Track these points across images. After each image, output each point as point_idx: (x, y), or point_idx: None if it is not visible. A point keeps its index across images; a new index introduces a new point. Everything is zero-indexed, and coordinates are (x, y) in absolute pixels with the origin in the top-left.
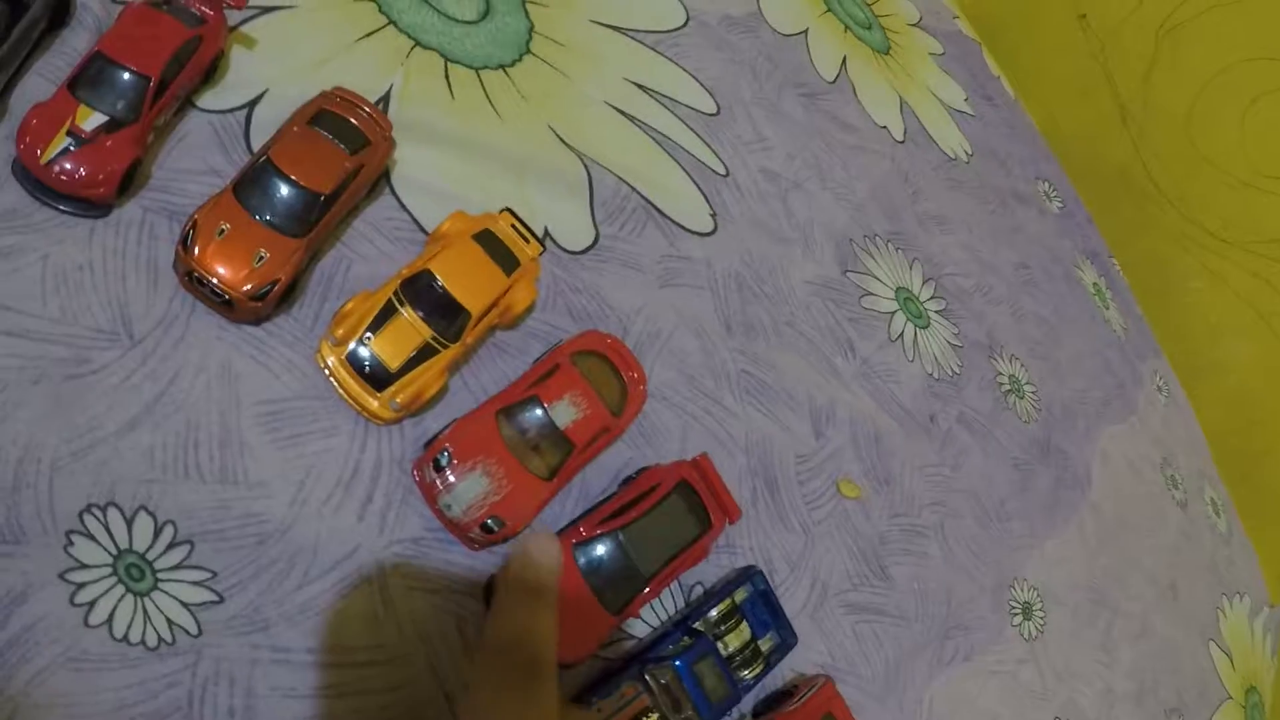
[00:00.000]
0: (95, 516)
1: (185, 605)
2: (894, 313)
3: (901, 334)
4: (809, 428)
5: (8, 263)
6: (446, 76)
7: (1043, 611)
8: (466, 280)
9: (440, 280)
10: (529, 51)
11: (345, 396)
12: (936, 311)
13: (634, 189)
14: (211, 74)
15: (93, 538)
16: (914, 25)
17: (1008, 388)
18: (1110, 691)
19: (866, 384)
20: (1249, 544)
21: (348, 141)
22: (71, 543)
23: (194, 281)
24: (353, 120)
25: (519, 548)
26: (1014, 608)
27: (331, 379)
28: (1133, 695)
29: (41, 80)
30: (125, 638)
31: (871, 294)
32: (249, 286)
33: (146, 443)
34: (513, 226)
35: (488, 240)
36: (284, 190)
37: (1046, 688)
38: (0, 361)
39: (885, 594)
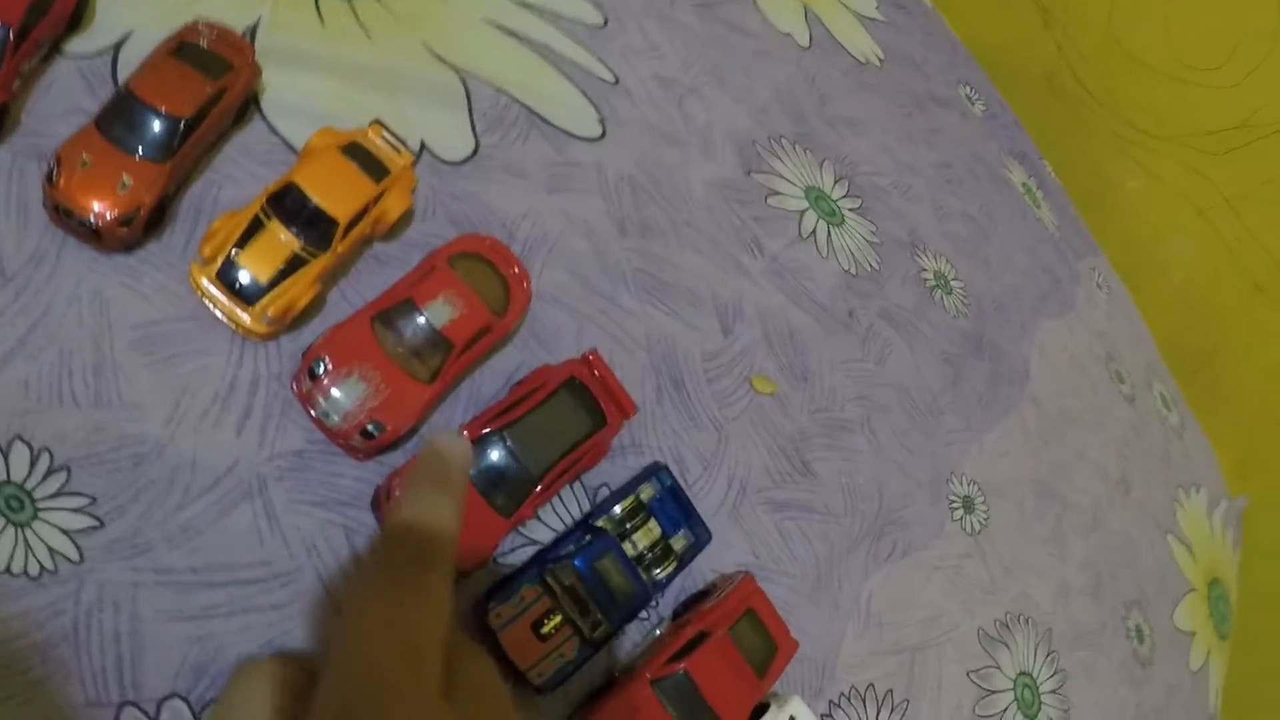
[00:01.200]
0: None
1: (66, 532)
2: (804, 210)
3: (814, 231)
4: (715, 324)
5: None
6: (316, 5)
7: (985, 506)
8: (333, 190)
9: (305, 190)
10: None
11: (219, 314)
12: (851, 210)
13: (515, 99)
14: (78, 21)
15: None
16: None
17: (933, 283)
18: (1065, 584)
19: (777, 280)
20: (1204, 438)
21: (208, 68)
22: None
23: (61, 214)
24: (213, 48)
25: (426, 444)
26: (954, 501)
27: (204, 299)
28: (1089, 589)
29: None
30: (7, 569)
31: (778, 193)
32: (113, 213)
33: (21, 375)
34: (383, 138)
35: (355, 151)
36: (144, 118)
37: (994, 581)
38: None
39: (810, 490)
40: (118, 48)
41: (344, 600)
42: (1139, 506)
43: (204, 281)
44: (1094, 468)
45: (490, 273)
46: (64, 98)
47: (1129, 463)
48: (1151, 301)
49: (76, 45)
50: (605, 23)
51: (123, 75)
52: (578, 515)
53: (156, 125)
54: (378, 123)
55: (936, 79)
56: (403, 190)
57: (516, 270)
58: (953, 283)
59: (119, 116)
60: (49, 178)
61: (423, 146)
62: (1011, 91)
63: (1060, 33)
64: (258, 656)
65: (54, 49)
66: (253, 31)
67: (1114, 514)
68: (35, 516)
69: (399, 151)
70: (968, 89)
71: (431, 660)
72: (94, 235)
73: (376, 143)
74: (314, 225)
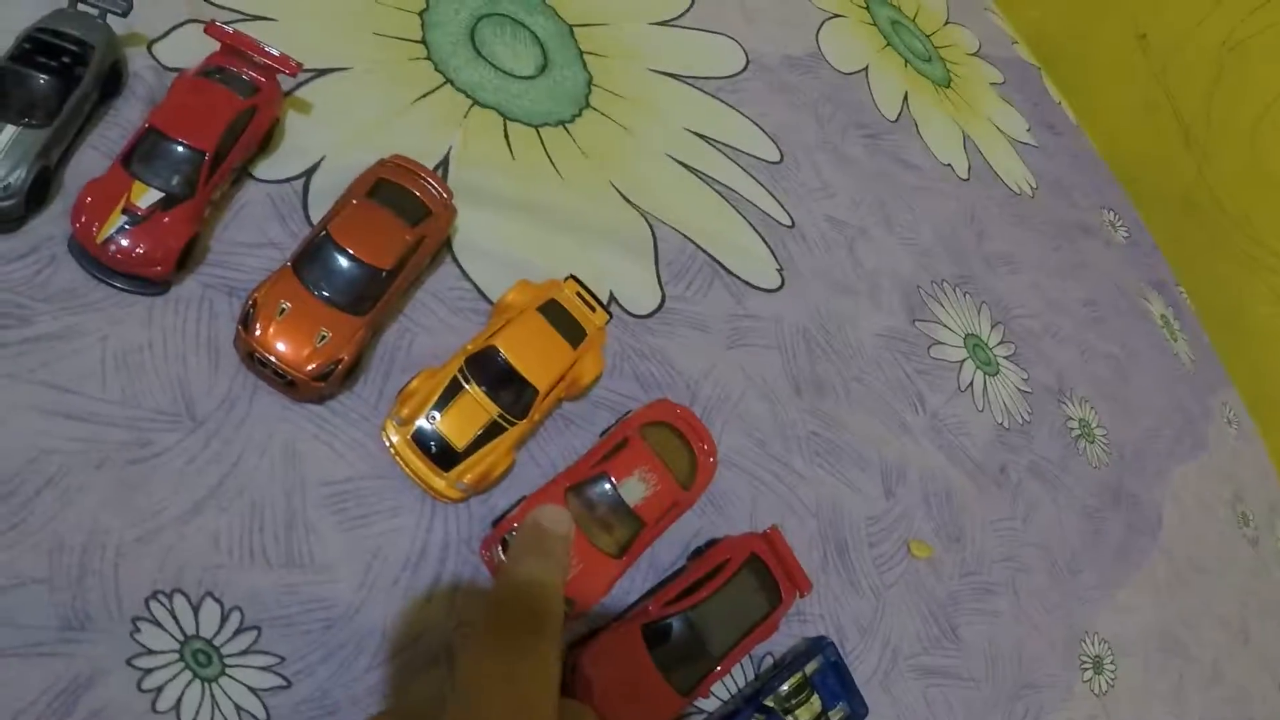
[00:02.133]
0: (161, 603)
1: (253, 690)
2: (963, 361)
3: (971, 383)
4: (879, 488)
5: (67, 344)
6: (506, 136)
7: (1113, 664)
8: (533, 355)
9: (506, 356)
10: (588, 106)
11: (411, 476)
12: (1005, 357)
13: (699, 247)
14: (267, 142)
15: (159, 624)
16: (973, 55)
17: (1078, 432)
18: None
19: (937, 438)
20: None
21: (408, 213)
22: (138, 629)
23: (256, 362)
24: (412, 190)
25: (530, 520)
26: (1085, 662)
27: (397, 458)
28: None
29: (95, 154)
30: None
31: (940, 343)
32: (312, 367)
33: (211, 527)
34: (578, 294)
35: (554, 311)
36: (345, 266)
37: None
38: (63, 446)
39: (956, 656)
40: (309, 174)
41: (459, 659)
42: (1256, 655)
43: (398, 441)
44: (1216, 618)
45: (680, 444)
46: (253, 226)
47: (1248, 610)
48: (1275, 429)
49: (266, 169)
50: (781, 158)
51: (313, 204)
52: (742, 685)
53: (357, 275)
54: (573, 278)
55: (1083, 205)
56: (596, 351)
57: (706, 446)
58: (1095, 431)
59: (318, 262)
60: (244, 322)
61: (611, 298)
62: (1150, 211)
63: (1200, 151)
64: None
65: (243, 171)
66: (445, 163)
67: (1232, 665)
68: (223, 673)
69: (594, 310)
70: (1111, 214)
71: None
72: (289, 386)
73: (573, 300)
74: (514, 392)
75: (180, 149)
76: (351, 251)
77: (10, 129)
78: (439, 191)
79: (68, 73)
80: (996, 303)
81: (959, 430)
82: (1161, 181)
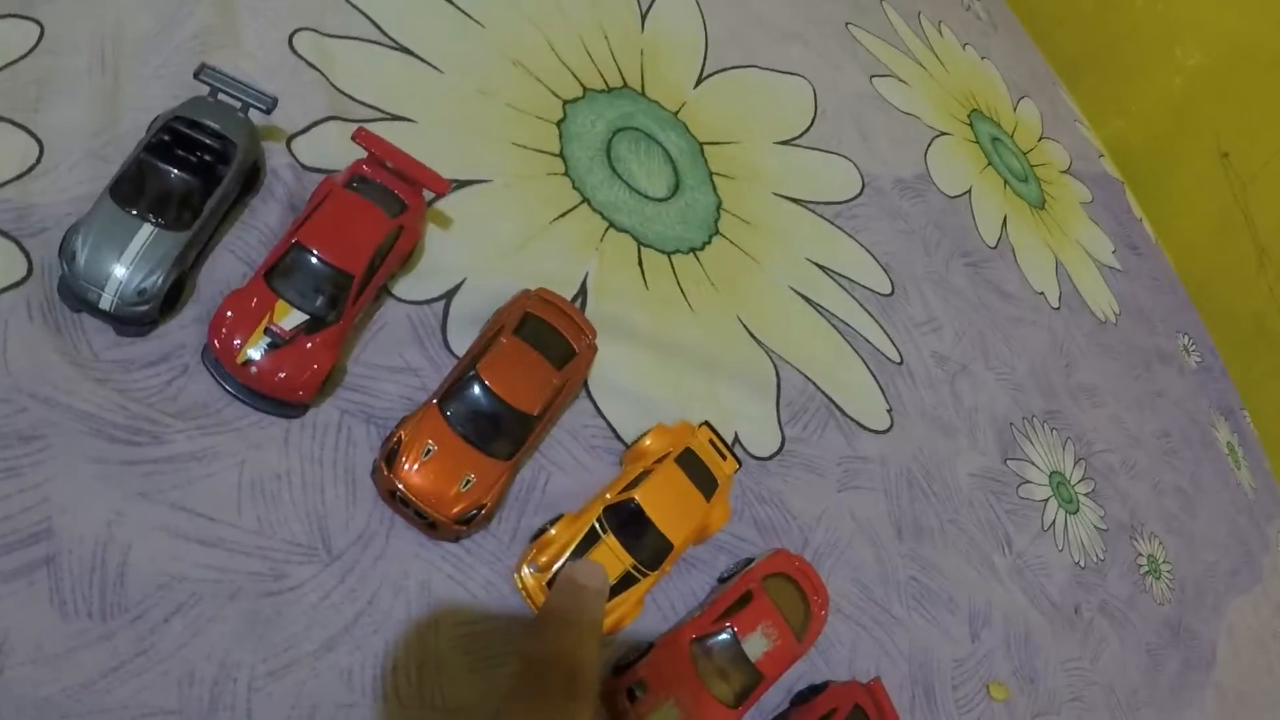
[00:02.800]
0: None
1: None
2: (1047, 500)
3: (1053, 522)
4: (966, 630)
5: (202, 466)
6: (640, 263)
7: None
8: (670, 510)
9: (645, 509)
10: (718, 232)
11: None
12: (1085, 494)
13: (818, 387)
14: (408, 259)
15: None
16: (1065, 172)
17: (1146, 569)
18: None
19: (1019, 580)
20: None
21: (554, 354)
22: None
23: (398, 500)
24: (558, 328)
25: (566, 575)
26: None
27: (529, 600)
28: None
29: (232, 257)
30: None
31: (1029, 481)
32: (457, 510)
33: (345, 664)
34: (710, 442)
35: (689, 462)
36: (492, 410)
37: None
38: (196, 574)
39: None
40: (450, 297)
41: None
42: None
43: (533, 585)
44: None
45: (796, 595)
46: (392, 349)
47: None
48: None
49: (406, 288)
50: (892, 290)
51: (452, 328)
52: None
53: (506, 419)
54: (708, 425)
55: (1161, 330)
56: (724, 500)
57: (819, 598)
58: (1162, 566)
59: (466, 403)
60: (388, 459)
61: (736, 439)
62: (1221, 332)
63: (1274, 273)
64: None
65: (383, 290)
66: (583, 292)
67: None
68: None
69: (724, 458)
70: (1186, 338)
71: None
72: (430, 527)
73: (706, 448)
74: (649, 544)
75: (327, 269)
76: (500, 395)
77: (147, 228)
78: (584, 331)
79: (209, 171)
80: (1079, 438)
81: (1040, 570)
82: (1234, 302)
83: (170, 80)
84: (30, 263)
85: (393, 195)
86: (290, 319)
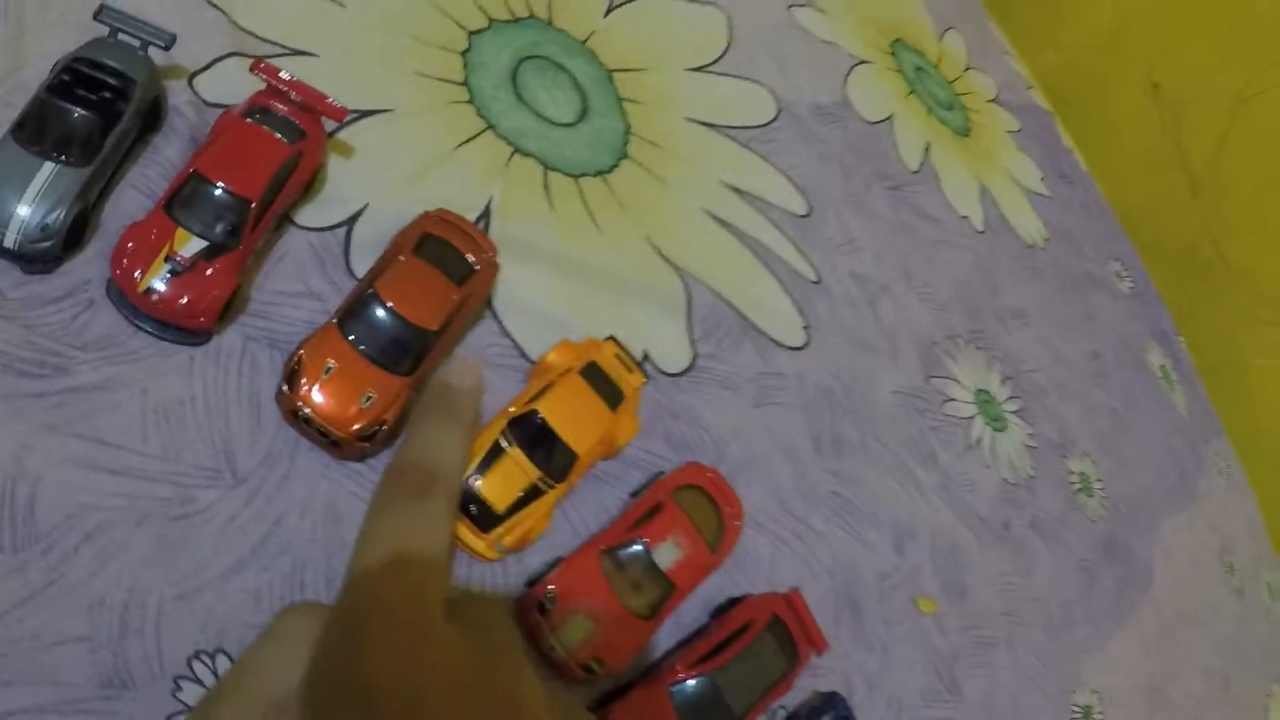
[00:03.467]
0: (204, 662)
1: None
2: (973, 417)
3: (980, 439)
4: (891, 545)
5: (108, 395)
6: (546, 186)
7: (1102, 714)
8: (574, 421)
9: (548, 420)
10: (626, 156)
11: None
12: (1013, 412)
13: (730, 304)
14: (309, 188)
15: (201, 683)
16: (992, 101)
17: (1078, 487)
18: None
19: (945, 495)
20: None
21: (454, 271)
22: (180, 688)
23: (300, 420)
24: (458, 246)
25: (438, 379)
26: (1076, 713)
27: None
28: None
29: (134, 193)
30: None
31: (952, 399)
32: (357, 427)
33: (253, 585)
34: (617, 356)
35: (593, 375)
36: (391, 326)
37: None
38: (104, 501)
39: (956, 709)
40: (352, 222)
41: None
42: (1235, 704)
43: None
44: (1200, 668)
45: (709, 507)
46: (294, 275)
47: (1230, 660)
48: (1265, 481)
49: (308, 216)
50: (809, 212)
51: (355, 253)
52: None
53: (404, 336)
54: (613, 339)
55: (1092, 257)
56: (632, 413)
57: (733, 509)
58: (1094, 485)
59: (365, 321)
60: (289, 379)
61: (645, 356)
62: (1154, 261)
63: (1207, 203)
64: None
65: (284, 218)
66: (486, 215)
67: (1212, 714)
68: None
69: (631, 371)
70: (1118, 264)
71: (429, 578)
72: (333, 446)
73: (612, 362)
74: (554, 457)
75: (226, 197)
76: (399, 312)
77: (49, 166)
78: (484, 248)
79: (109, 108)
80: (1007, 358)
81: (967, 487)
82: (1167, 232)
83: (74, 26)
84: None
85: (291, 124)
86: (190, 246)
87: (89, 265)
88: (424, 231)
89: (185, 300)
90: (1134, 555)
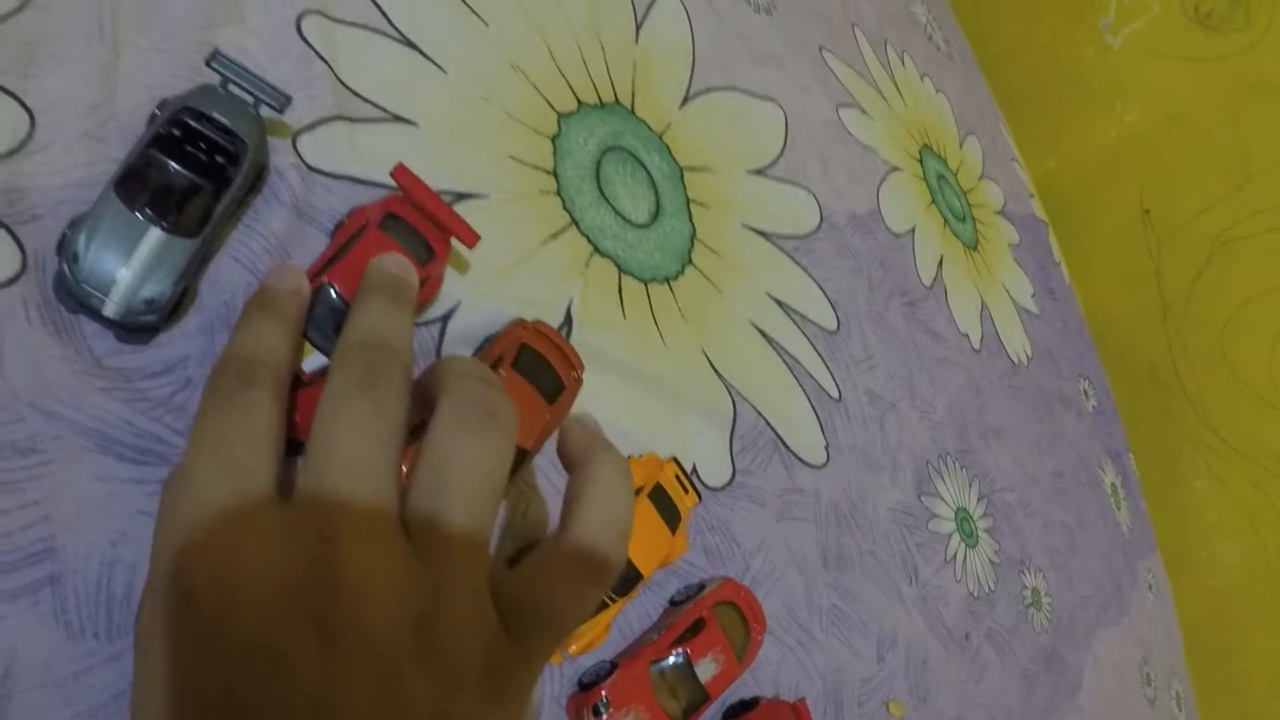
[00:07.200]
0: None
1: None
2: (951, 534)
3: (954, 555)
4: (874, 653)
5: None
6: (620, 291)
7: None
8: (641, 544)
9: None
10: (690, 263)
11: None
12: (985, 530)
13: (768, 422)
14: (426, 308)
15: None
16: (999, 213)
17: (1029, 601)
18: None
19: (922, 607)
20: None
21: (547, 389)
22: None
23: None
24: (553, 362)
25: (375, 261)
26: None
27: None
28: None
29: (235, 264)
30: None
31: (937, 516)
32: None
33: None
34: (676, 477)
35: (659, 498)
36: None
37: None
38: None
39: None
40: (446, 320)
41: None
42: None
43: None
44: None
45: (739, 620)
46: None
47: None
48: (1187, 593)
49: None
50: (838, 328)
51: (448, 352)
52: None
53: None
54: (675, 462)
55: (1066, 374)
56: (684, 531)
57: (759, 625)
58: (1044, 599)
59: None
60: None
61: (694, 470)
62: (1117, 376)
63: (1174, 328)
64: None
65: None
66: (568, 320)
67: None
68: None
69: (687, 493)
70: (1086, 383)
71: (384, 466)
72: None
73: (672, 483)
74: (622, 574)
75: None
76: None
77: (155, 233)
78: (575, 365)
79: (219, 172)
80: (984, 476)
81: (939, 600)
82: (1134, 349)
83: (173, 55)
84: (24, 256)
85: (423, 241)
86: (311, 362)
87: (188, 341)
88: (522, 343)
89: (298, 418)
90: (1068, 665)
